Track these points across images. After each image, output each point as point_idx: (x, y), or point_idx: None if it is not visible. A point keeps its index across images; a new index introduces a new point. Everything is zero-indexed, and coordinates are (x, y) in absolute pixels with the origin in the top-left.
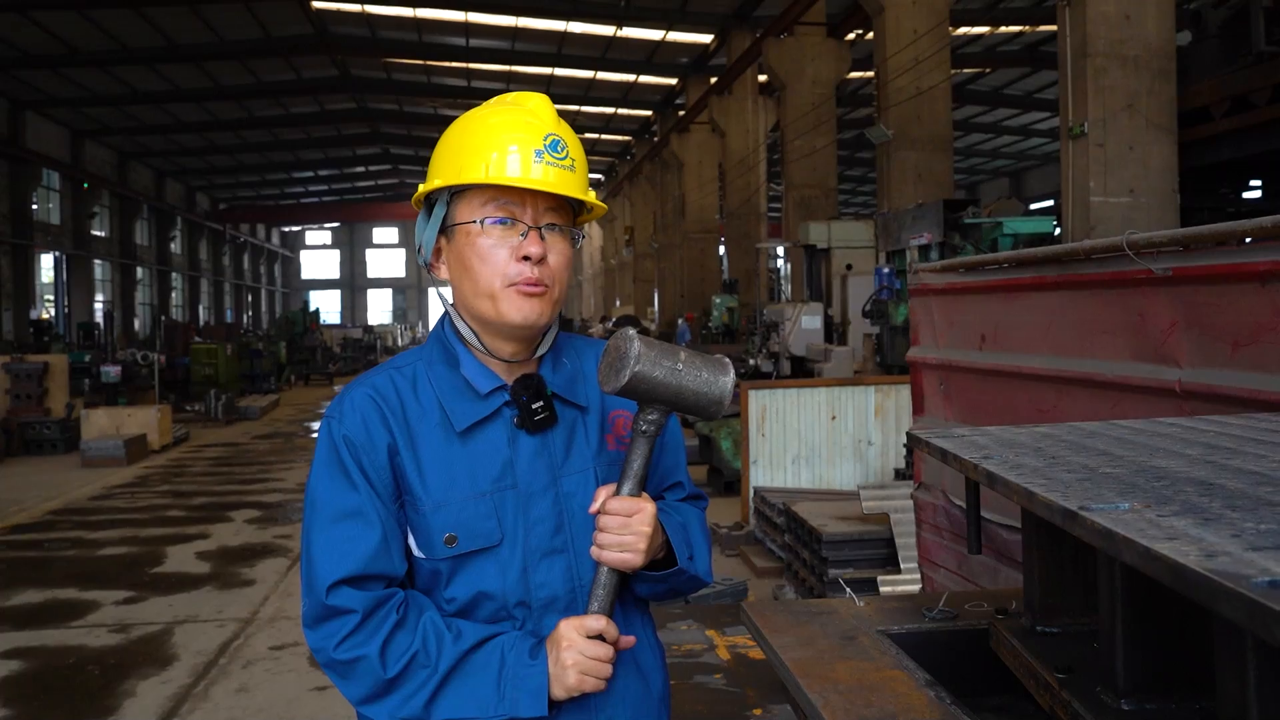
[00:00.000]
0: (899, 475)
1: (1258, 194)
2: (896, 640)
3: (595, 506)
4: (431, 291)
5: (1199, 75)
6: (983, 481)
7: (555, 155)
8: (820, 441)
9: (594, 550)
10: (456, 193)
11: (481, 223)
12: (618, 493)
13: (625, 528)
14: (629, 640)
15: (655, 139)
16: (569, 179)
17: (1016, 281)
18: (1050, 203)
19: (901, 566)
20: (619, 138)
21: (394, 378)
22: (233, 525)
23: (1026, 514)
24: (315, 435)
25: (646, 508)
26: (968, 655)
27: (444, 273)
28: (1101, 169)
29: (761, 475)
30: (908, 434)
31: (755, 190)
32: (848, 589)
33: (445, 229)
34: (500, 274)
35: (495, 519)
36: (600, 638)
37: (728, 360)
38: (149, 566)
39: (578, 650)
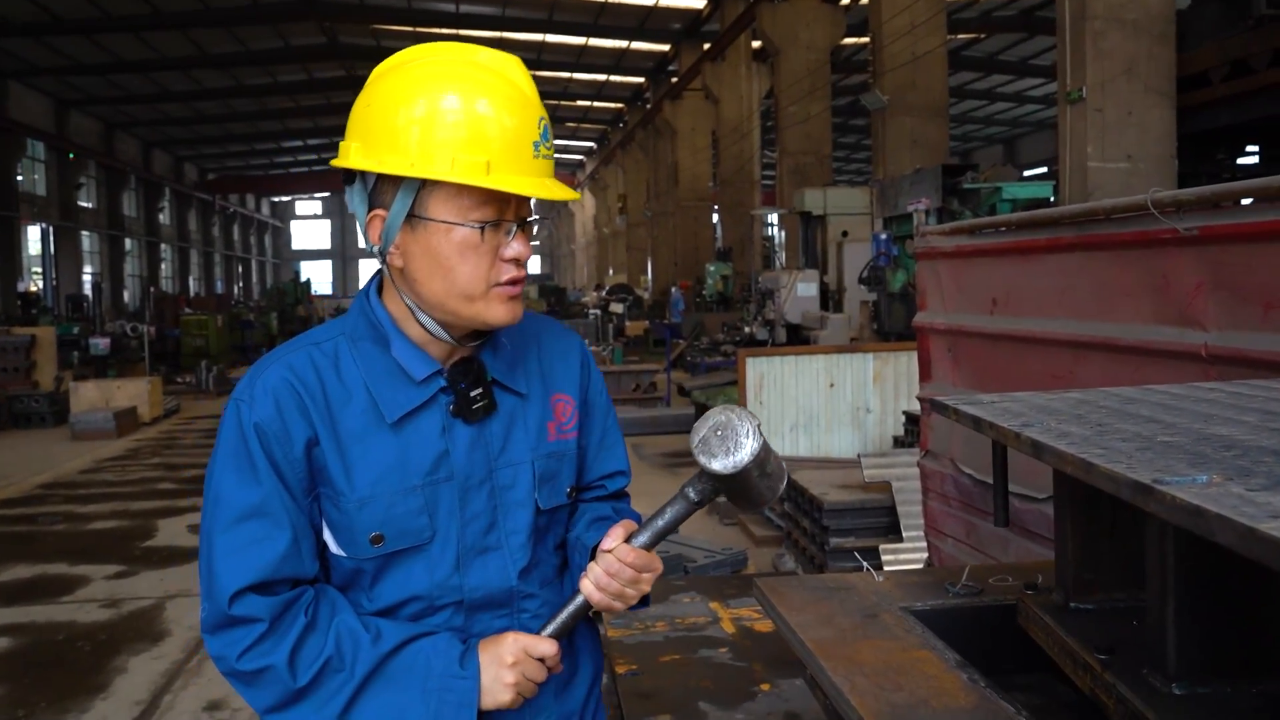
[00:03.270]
0: (897, 443)
1: (1254, 159)
2: (921, 618)
3: (610, 545)
4: None
5: (1198, 39)
6: (1026, 451)
7: (547, 146)
8: (818, 409)
9: (586, 585)
10: (430, 181)
11: (482, 229)
12: (634, 539)
13: (634, 583)
14: (557, 667)
15: (648, 106)
16: (551, 170)
17: (1030, 243)
18: (1044, 169)
19: (904, 535)
20: (611, 105)
21: (313, 355)
22: None
23: (1060, 484)
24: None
25: (658, 568)
26: (994, 632)
27: (397, 258)
28: (1100, 134)
29: None
30: (932, 401)
31: (749, 157)
32: (865, 563)
33: (409, 217)
34: (485, 276)
35: (427, 515)
36: (541, 661)
37: (785, 467)
38: (140, 540)
39: (522, 670)
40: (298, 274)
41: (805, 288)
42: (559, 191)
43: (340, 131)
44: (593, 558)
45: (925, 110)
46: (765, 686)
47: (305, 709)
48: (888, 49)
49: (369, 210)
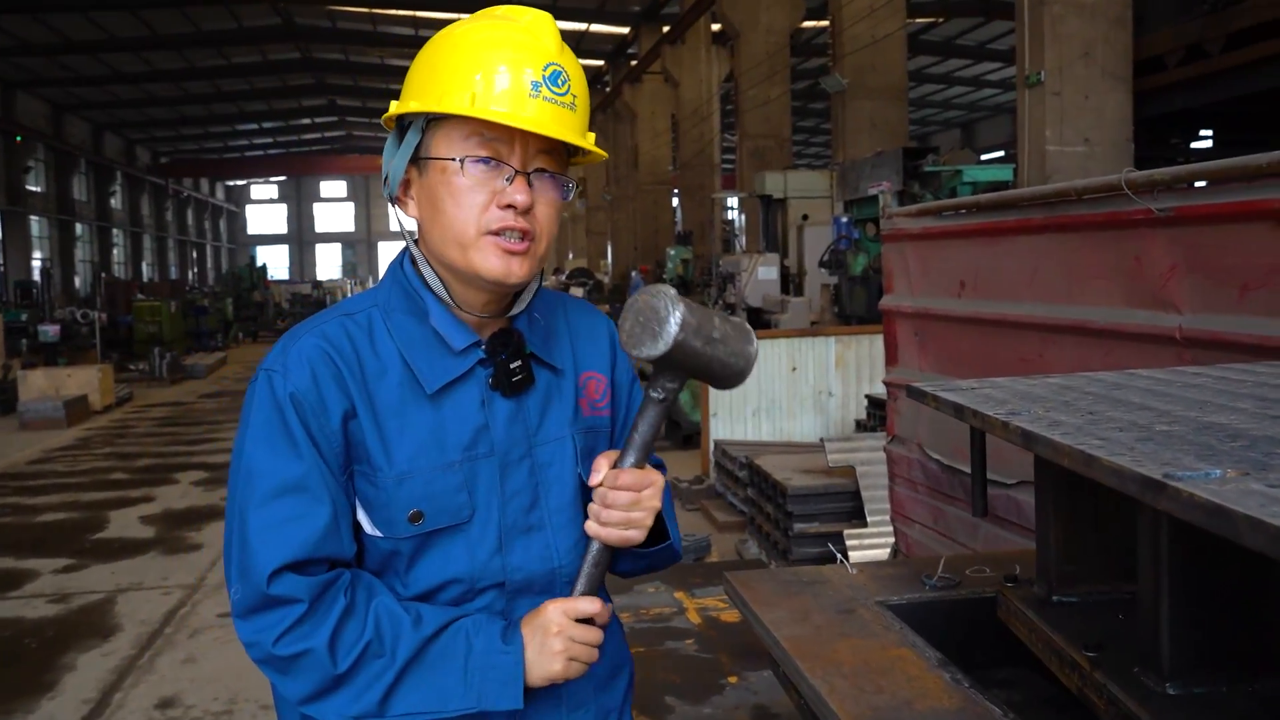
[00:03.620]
0: (860, 427)
1: (1208, 143)
2: (898, 612)
3: (597, 479)
4: (381, 245)
5: (1154, 24)
6: (1015, 441)
7: (555, 89)
8: (781, 393)
9: (591, 526)
10: (435, 120)
11: (461, 162)
12: (621, 463)
13: (636, 504)
14: (607, 621)
15: (607, 89)
16: (568, 120)
17: (1000, 225)
18: (1001, 153)
19: (868, 520)
20: None
21: (347, 326)
22: (179, 487)
23: (1042, 473)
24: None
25: (657, 480)
26: (973, 625)
27: (412, 209)
28: (1058, 118)
29: (721, 428)
30: (909, 387)
31: (709, 141)
32: (839, 555)
33: (417, 159)
34: (475, 220)
35: (466, 492)
36: (589, 621)
37: (750, 328)
38: (90, 533)
39: (568, 636)
40: (253, 259)
41: (766, 271)
42: (556, 130)
43: (297, 114)
44: None
45: (885, 93)
46: (733, 679)
47: (345, 696)
48: (847, 32)
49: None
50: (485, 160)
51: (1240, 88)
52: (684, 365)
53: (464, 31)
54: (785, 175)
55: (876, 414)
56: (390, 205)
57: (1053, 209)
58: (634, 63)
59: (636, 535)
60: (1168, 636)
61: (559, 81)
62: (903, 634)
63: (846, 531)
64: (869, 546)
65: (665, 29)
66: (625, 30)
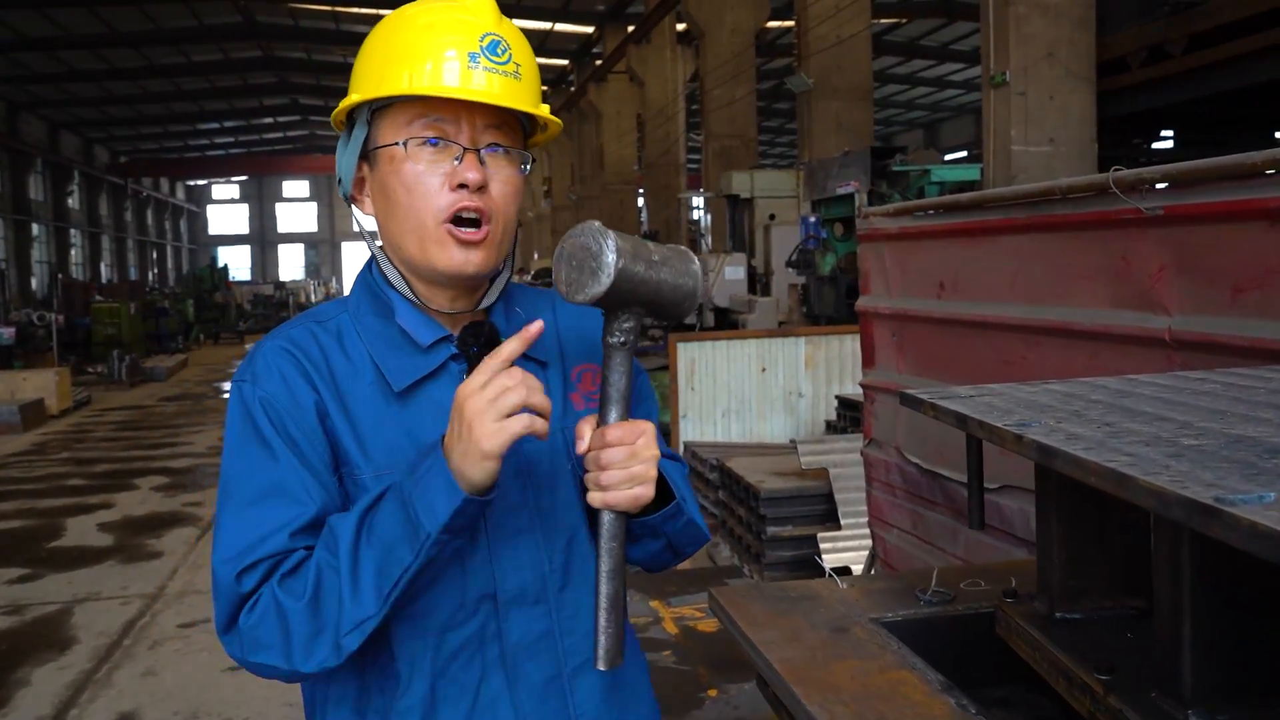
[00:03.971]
0: (830, 428)
1: (1169, 144)
2: (893, 630)
3: (585, 445)
4: (345, 246)
5: (1116, 25)
6: (1030, 456)
7: (494, 59)
8: (750, 394)
9: (595, 496)
10: (378, 109)
11: (405, 144)
12: (603, 421)
13: (633, 456)
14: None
15: (572, 89)
16: (514, 89)
17: (981, 224)
18: (964, 153)
19: (842, 523)
20: None
21: (314, 331)
22: (138, 493)
23: (1043, 483)
24: (227, 396)
25: (648, 427)
26: (969, 642)
27: (368, 206)
28: (1023, 118)
29: (691, 429)
30: (903, 394)
31: (674, 141)
32: (827, 569)
33: (367, 153)
34: (431, 207)
35: None
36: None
37: (686, 249)
38: (46, 541)
39: (498, 387)
40: (215, 259)
41: (733, 271)
42: (499, 98)
43: (259, 113)
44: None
45: (850, 93)
46: (713, 692)
47: (320, 622)
48: (813, 32)
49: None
50: (431, 141)
51: (1202, 88)
52: (633, 297)
53: (401, 16)
54: (752, 175)
55: (847, 415)
56: (349, 206)
57: (1036, 208)
58: (599, 62)
59: (645, 491)
60: (1189, 659)
61: (498, 50)
62: (901, 654)
63: (820, 534)
64: (843, 549)
65: (630, 28)
66: (590, 29)
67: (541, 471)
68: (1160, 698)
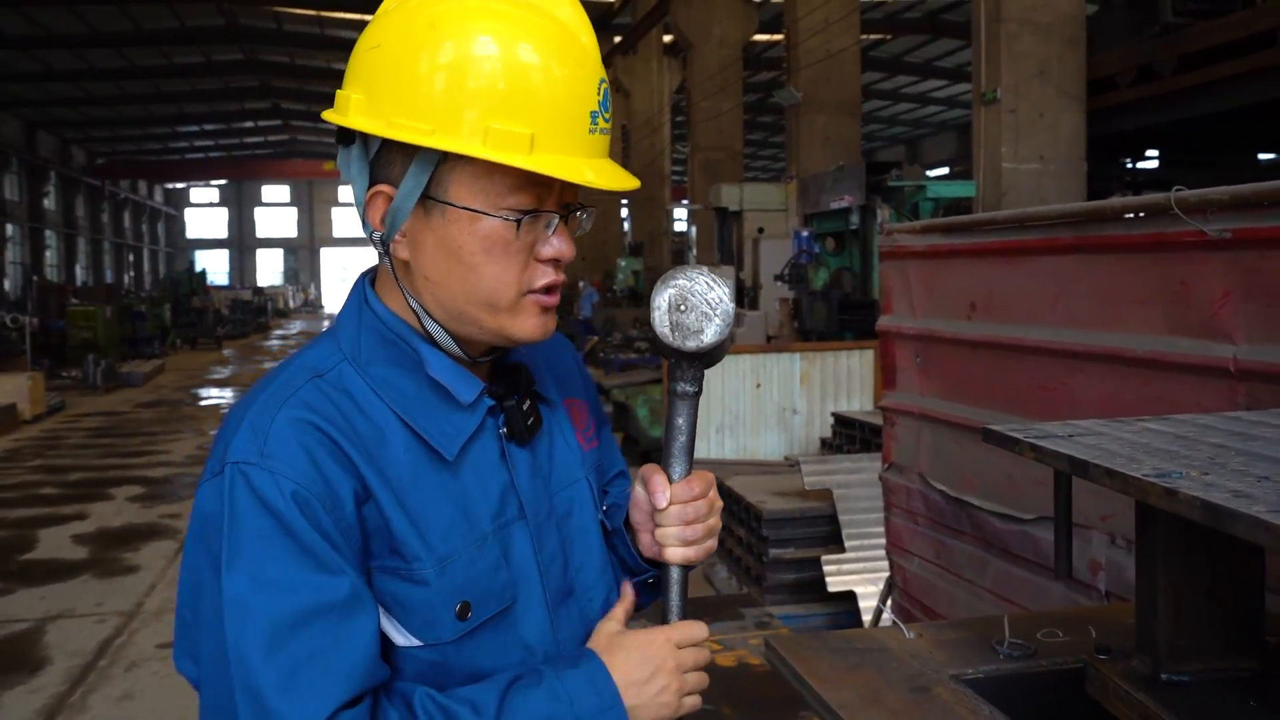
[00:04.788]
0: (825, 445)
1: (1154, 164)
2: (977, 688)
3: (665, 499)
4: (324, 251)
5: (1106, 44)
6: (1194, 516)
7: (606, 117)
8: (745, 410)
9: (672, 553)
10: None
11: (518, 223)
12: (672, 474)
13: (712, 510)
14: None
15: None
16: (608, 148)
17: (1020, 244)
18: (946, 170)
19: (846, 545)
20: None
21: (323, 388)
22: (114, 504)
23: (1149, 532)
24: (205, 403)
25: (711, 478)
26: (1054, 700)
27: (404, 249)
28: (1013, 135)
29: None
30: (987, 430)
31: (660, 152)
32: (890, 614)
33: (424, 198)
34: (514, 281)
35: (506, 568)
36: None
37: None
38: (18, 553)
39: (677, 666)
40: (192, 264)
41: None
42: (622, 179)
43: (240, 117)
44: (631, 534)
45: (838, 108)
46: None
47: None
48: (803, 45)
49: (370, 184)
50: (532, 213)
51: (1190, 109)
52: (723, 350)
53: (482, 22)
54: (741, 188)
55: (844, 433)
56: (375, 247)
57: (1082, 228)
58: None
59: (714, 545)
60: None
61: (608, 105)
62: (994, 719)
63: (824, 557)
64: (848, 573)
65: (617, 39)
66: None
67: (574, 525)
68: None
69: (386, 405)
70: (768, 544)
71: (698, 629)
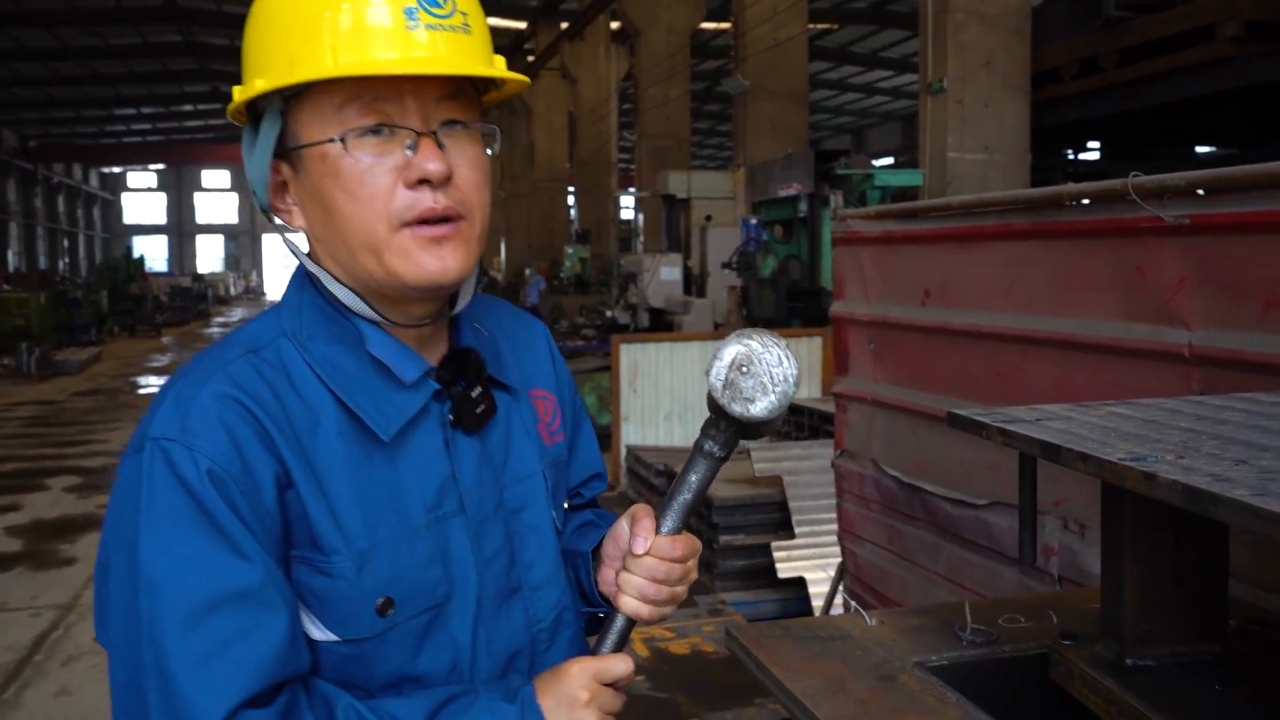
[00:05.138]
0: (775, 433)
1: (1095, 155)
2: (942, 675)
3: (642, 546)
4: (265, 238)
5: (1050, 37)
6: (1175, 500)
7: (435, 10)
8: (694, 398)
9: (627, 602)
10: (294, 95)
11: (343, 140)
12: (660, 528)
13: (684, 579)
14: (630, 684)
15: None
16: (464, 47)
17: (975, 230)
18: (890, 159)
19: (796, 532)
20: None
21: (257, 365)
22: (49, 494)
23: (1115, 514)
24: (144, 391)
25: (698, 547)
26: (1019, 686)
27: (297, 217)
28: (959, 125)
29: (633, 433)
30: (952, 414)
31: (607, 139)
32: (853, 603)
33: (285, 153)
34: (384, 213)
35: (440, 564)
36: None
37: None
38: None
39: (599, 705)
40: (130, 250)
41: (669, 271)
42: (455, 63)
43: (178, 100)
44: (596, 562)
45: (786, 96)
46: None
47: None
48: (750, 34)
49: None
50: (374, 130)
51: (1132, 101)
52: (764, 423)
53: None
54: (689, 176)
55: (793, 420)
56: (270, 220)
57: (1039, 214)
58: (531, 58)
59: (670, 613)
60: None
61: (439, 2)
62: (963, 709)
63: (774, 543)
64: (798, 559)
65: (564, 25)
66: (523, 25)
67: (525, 521)
68: None
69: (324, 385)
70: (718, 531)
71: (621, 664)
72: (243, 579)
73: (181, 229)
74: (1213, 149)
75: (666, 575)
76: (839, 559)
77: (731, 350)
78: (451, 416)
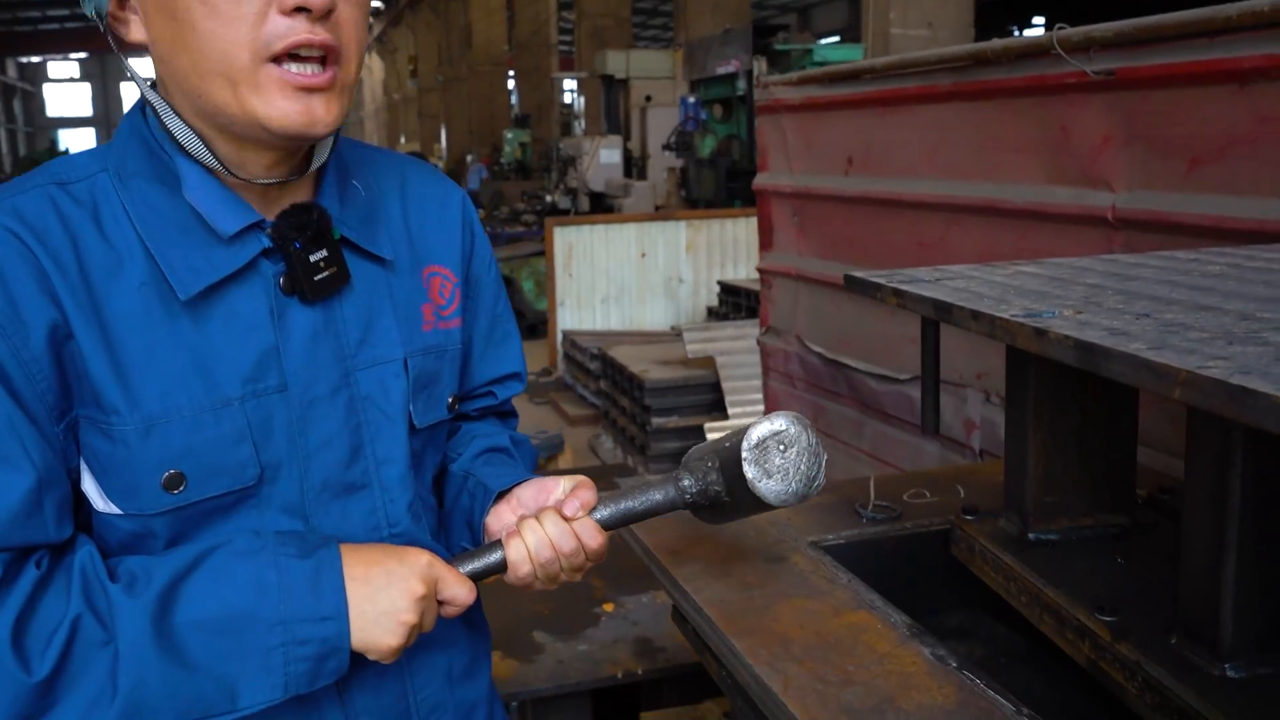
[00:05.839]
0: (712, 314)
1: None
2: (837, 556)
3: (572, 510)
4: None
5: None
6: (1067, 359)
7: None
8: (630, 280)
9: (515, 546)
10: None
11: None
12: (598, 513)
13: (578, 570)
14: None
15: None
16: None
17: (897, 93)
18: (837, 38)
19: (730, 413)
20: None
21: (56, 199)
22: None
23: (1019, 381)
24: None
25: (604, 557)
26: (919, 565)
27: (136, 28)
28: (902, 1)
29: (569, 317)
30: (849, 276)
31: (545, 20)
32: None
33: None
34: (248, 39)
35: (251, 444)
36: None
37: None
38: None
39: (424, 609)
40: (55, 143)
41: (608, 155)
42: None
43: None
44: (495, 503)
45: None
46: (609, 607)
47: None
48: None
49: None
50: None
51: None
52: (754, 505)
53: None
54: (628, 55)
55: (730, 301)
56: (101, 27)
57: (962, 73)
58: None
59: (539, 588)
60: (1230, 602)
61: None
62: (854, 589)
63: (707, 425)
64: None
65: None
66: None
67: (377, 413)
68: (1186, 645)
69: (135, 228)
70: (650, 413)
71: (464, 589)
72: None
73: (109, 121)
74: None
75: (569, 553)
76: None
77: (787, 422)
78: (282, 281)
